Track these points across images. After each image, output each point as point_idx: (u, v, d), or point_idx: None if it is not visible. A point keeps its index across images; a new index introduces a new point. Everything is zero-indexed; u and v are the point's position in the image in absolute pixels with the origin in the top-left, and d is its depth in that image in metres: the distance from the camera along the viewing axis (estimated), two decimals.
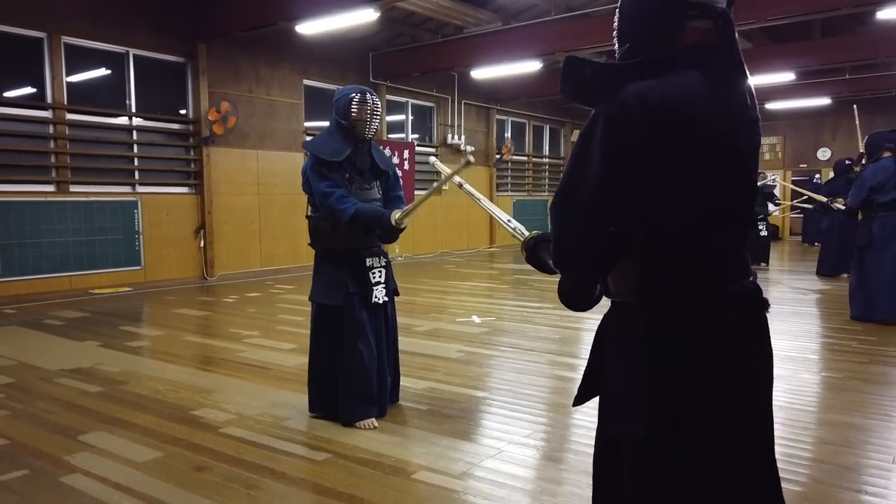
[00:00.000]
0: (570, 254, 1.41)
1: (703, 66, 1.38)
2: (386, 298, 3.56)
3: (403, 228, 3.29)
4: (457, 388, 4.11)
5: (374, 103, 3.44)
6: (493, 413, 3.68)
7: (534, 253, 1.79)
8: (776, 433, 1.54)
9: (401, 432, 3.35)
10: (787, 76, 12.37)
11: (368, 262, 3.49)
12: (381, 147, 9.51)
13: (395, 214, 3.27)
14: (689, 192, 1.35)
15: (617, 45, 1.54)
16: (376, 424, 3.41)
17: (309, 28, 8.71)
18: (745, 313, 1.41)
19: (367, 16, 8.12)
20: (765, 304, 1.45)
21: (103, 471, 2.89)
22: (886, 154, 6.14)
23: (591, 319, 6.54)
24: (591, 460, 1.85)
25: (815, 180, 16.13)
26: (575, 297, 1.60)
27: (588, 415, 3.70)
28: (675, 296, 1.37)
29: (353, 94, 3.42)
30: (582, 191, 1.33)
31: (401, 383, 3.85)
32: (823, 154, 17.48)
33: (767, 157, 18.44)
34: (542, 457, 3.03)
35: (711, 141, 1.36)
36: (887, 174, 6.02)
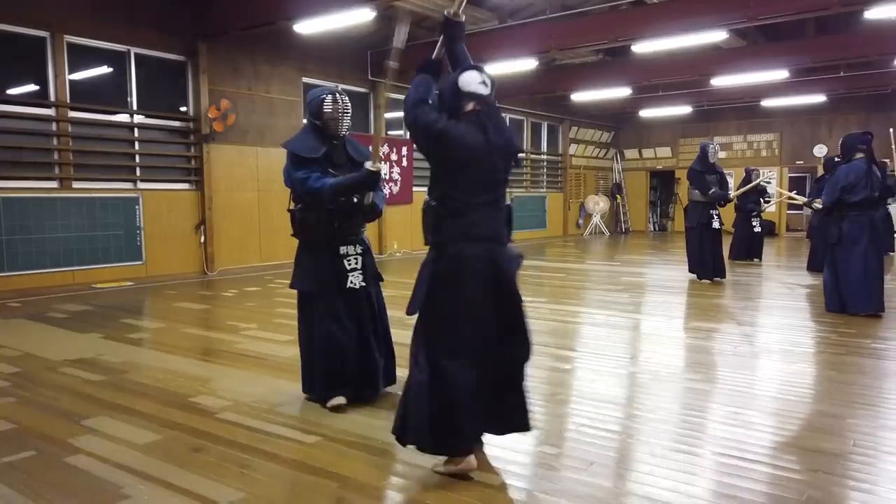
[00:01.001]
0: None
1: (473, 122, 2.79)
2: (363, 284, 3.73)
3: (379, 170, 3.45)
4: None
5: (344, 103, 3.64)
6: None
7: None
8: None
9: (388, 417, 3.51)
10: (781, 74, 12.50)
11: (343, 249, 3.67)
12: (382, 144, 9.89)
13: (367, 164, 3.49)
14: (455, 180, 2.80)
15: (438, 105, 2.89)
16: (344, 401, 3.60)
17: (307, 27, 8.85)
18: (480, 251, 2.78)
19: (363, 15, 8.27)
20: (500, 245, 2.86)
21: (106, 452, 3.06)
22: (859, 155, 6.30)
23: (580, 314, 6.70)
24: (572, 446, 2.94)
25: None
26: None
27: (576, 405, 3.86)
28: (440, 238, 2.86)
29: (325, 95, 3.62)
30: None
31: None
32: (820, 151, 17.59)
33: (765, 153, 18.57)
34: (523, 443, 3.19)
35: (469, 156, 2.76)
36: (859, 175, 6.20)
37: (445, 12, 3.06)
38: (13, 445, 3.15)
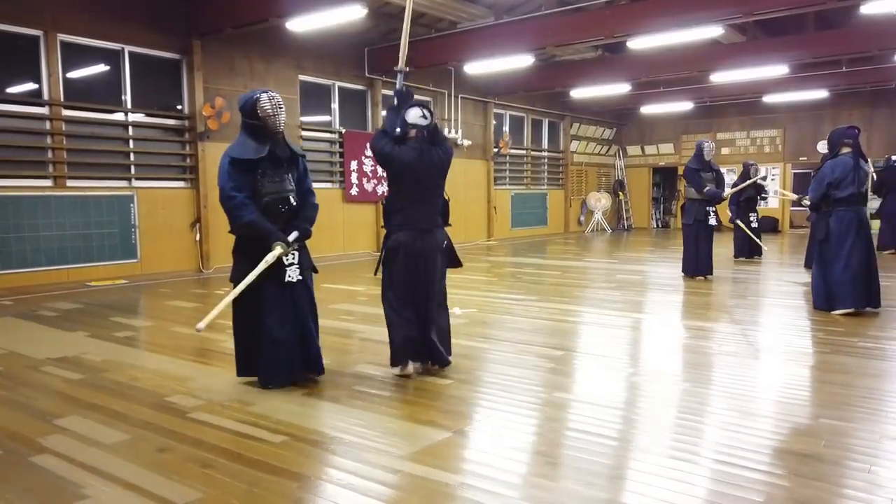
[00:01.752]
0: None
1: (413, 144, 4.11)
2: (300, 277, 4.02)
3: (283, 252, 3.91)
4: (423, 377, 4.23)
5: (278, 100, 3.91)
6: (453, 399, 3.81)
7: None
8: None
9: (359, 416, 3.49)
10: (781, 69, 12.39)
11: (280, 246, 3.90)
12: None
13: (278, 247, 3.85)
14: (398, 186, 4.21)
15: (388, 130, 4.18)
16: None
17: (299, 25, 8.83)
18: (412, 237, 4.14)
19: (355, 12, 8.23)
20: (429, 233, 4.22)
21: (72, 452, 3.05)
22: (845, 150, 6.19)
23: (568, 312, 6.66)
24: (539, 443, 3.05)
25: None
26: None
27: (548, 406, 3.83)
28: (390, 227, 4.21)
29: (259, 95, 3.88)
30: None
31: (366, 370, 4.01)
32: (823, 147, 17.38)
33: (768, 149, 18.43)
34: (494, 441, 3.17)
35: (406, 169, 4.10)
36: (845, 170, 6.09)
37: (398, 86, 4.31)
38: None
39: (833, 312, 6.15)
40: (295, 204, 4.06)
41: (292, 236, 3.97)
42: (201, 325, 3.71)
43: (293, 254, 4.01)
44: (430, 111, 4.15)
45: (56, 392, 4.02)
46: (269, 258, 3.83)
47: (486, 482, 2.69)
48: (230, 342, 5.24)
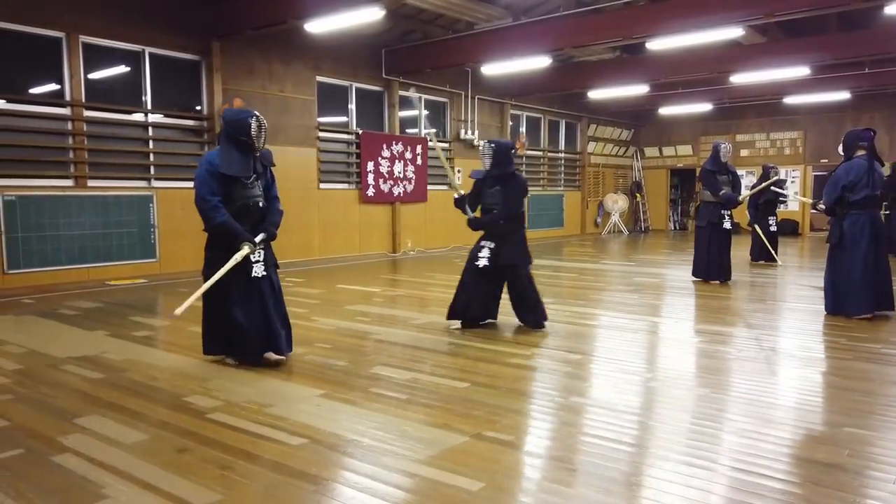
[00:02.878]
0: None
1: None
2: (265, 273, 4.55)
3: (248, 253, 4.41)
4: (439, 380, 4.24)
5: (265, 125, 4.43)
6: (469, 402, 3.80)
7: (460, 202, 6.14)
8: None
9: (376, 419, 3.50)
10: (802, 70, 12.25)
11: (247, 247, 4.41)
12: (396, 142, 11.96)
13: (246, 247, 4.36)
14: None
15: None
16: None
17: (318, 26, 8.88)
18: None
19: (373, 14, 8.26)
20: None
21: (92, 451, 3.08)
22: (860, 152, 6.12)
23: (585, 315, 6.63)
24: (556, 449, 3.03)
25: None
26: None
27: (564, 410, 3.81)
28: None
29: (251, 119, 4.35)
30: None
31: (382, 372, 4.00)
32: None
33: (788, 152, 18.24)
34: (511, 445, 3.16)
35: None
36: (859, 173, 6.02)
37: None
38: (3, 443, 3.19)
39: (849, 317, 6.10)
40: (262, 208, 4.57)
41: (259, 238, 4.47)
42: (178, 311, 4.23)
43: (259, 252, 4.53)
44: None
45: (76, 391, 4.06)
46: (238, 257, 4.35)
47: (502, 487, 2.68)
48: None
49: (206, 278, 4.40)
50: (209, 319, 4.62)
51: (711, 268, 8.57)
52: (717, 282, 8.55)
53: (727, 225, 8.54)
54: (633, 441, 3.22)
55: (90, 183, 8.67)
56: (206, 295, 4.44)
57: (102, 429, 3.38)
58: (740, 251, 10.98)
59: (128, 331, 5.82)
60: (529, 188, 16.44)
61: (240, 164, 4.38)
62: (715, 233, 8.51)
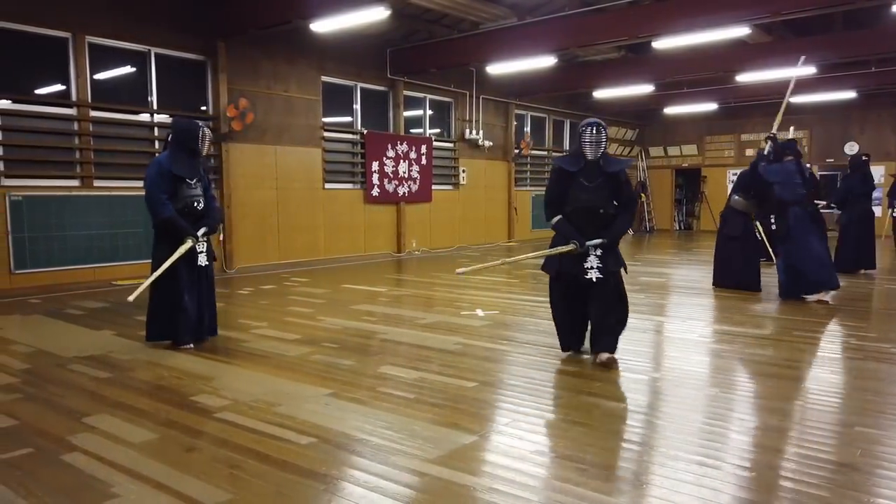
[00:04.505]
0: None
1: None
2: (207, 262, 5.22)
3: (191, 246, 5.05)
4: (447, 379, 4.23)
5: (209, 135, 5.20)
6: (477, 402, 3.79)
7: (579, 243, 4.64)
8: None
9: (385, 419, 3.49)
10: (808, 69, 12.19)
11: (190, 240, 5.05)
12: (401, 142, 12.01)
13: (189, 240, 5.01)
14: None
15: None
16: (192, 346, 5.13)
17: (323, 26, 8.87)
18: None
19: (378, 14, 8.24)
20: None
21: (101, 450, 3.08)
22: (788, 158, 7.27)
23: None
24: (565, 448, 3.02)
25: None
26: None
27: (573, 410, 3.80)
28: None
29: (200, 129, 5.08)
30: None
31: (389, 371, 3.98)
32: (851, 148, 17.14)
33: None
34: (520, 445, 3.14)
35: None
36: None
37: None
38: (13, 442, 3.19)
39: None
40: (202, 207, 5.18)
41: (201, 231, 5.12)
42: (131, 297, 4.85)
43: (203, 243, 5.15)
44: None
45: (84, 390, 4.06)
46: (182, 249, 4.96)
47: (511, 487, 2.67)
48: (254, 342, 5.33)
49: (156, 267, 4.99)
50: (159, 306, 5.12)
51: (743, 276, 8.01)
52: (750, 290, 7.95)
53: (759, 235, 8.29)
54: (643, 440, 3.20)
55: (96, 183, 8.67)
56: (156, 284, 5.01)
57: (110, 428, 3.38)
58: None
59: (134, 330, 5.82)
60: (535, 188, 16.50)
61: (188, 166, 5.06)
62: (748, 243, 8.10)
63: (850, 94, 15.25)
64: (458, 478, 2.76)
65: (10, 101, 7.98)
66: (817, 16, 9.33)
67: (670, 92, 16.14)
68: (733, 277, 8.15)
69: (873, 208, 10.32)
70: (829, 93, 15.07)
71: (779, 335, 5.60)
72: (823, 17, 10.73)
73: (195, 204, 5.13)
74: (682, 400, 3.84)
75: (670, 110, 18.14)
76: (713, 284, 8.39)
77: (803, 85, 14.72)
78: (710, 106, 17.15)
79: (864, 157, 9.59)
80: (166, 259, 4.94)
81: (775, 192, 7.30)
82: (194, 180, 5.14)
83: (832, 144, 17.44)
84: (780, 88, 15.09)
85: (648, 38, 10.12)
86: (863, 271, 9.61)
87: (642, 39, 10.29)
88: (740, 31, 9.53)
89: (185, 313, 5.07)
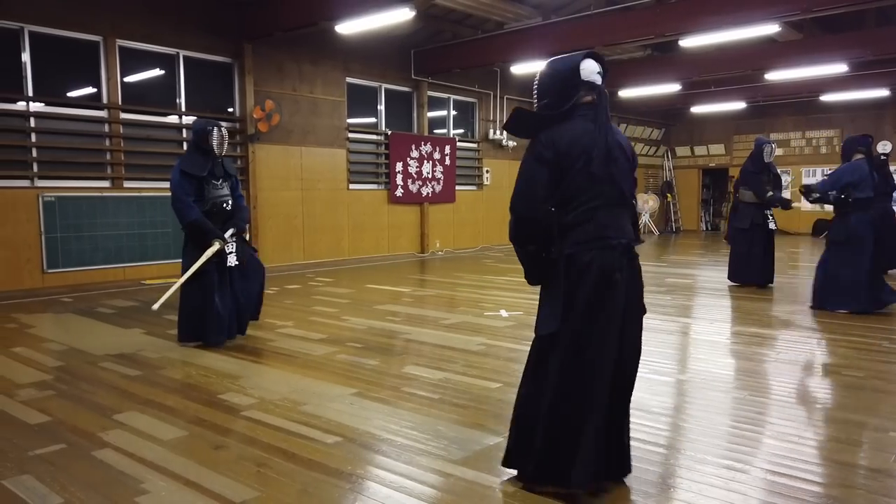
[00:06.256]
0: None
1: (586, 117, 2.59)
2: (237, 263, 5.20)
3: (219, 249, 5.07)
4: (471, 380, 4.23)
5: (225, 135, 5.16)
6: (501, 403, 3.78)
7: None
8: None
9: (410, 419, 3.50)
10: (839, 67, 11.97)
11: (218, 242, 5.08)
12: (425, 143, 12.05)
13: (217, 242, 5.01)
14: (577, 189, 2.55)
15: (536, 100, 2.71)
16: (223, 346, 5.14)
17: (348, 28, 8.92)
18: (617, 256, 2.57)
19: (403, 15, 8.27)
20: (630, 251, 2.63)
21: (132, 447, 3.14)
22: (858, 156, 6.74)
23: None
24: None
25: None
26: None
27: None
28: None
29: (212, 128, 5.09)
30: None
31: (413, 371, 4.01)
32: (884, 147, 16.67)
33: (824, 150, 17.84)
34: None
35: (587, 158, 2.53)
36: (862, 175, 6.51)
37: None
38: (46, 438, 3.26)
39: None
40: (230, 208, 5.23)
41: (228, 232, 5.13)
42: (155, 306, 5.08)
43: (232, 244, 5.16)
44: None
45: (114, 388, 4.14)
46: (209, 252, 4.98)
47: (537, 489, 2.66)
48: (279, 341, 5.37)
49: (186, 270, 5.06)
50: (189, 308, 5.15)
51: (753, 270, 8.19)
52: (759, 285, 8.19)
53: (772, 226, 8.17)
54: (670, 443, 3.17)
55: (126, 184, 8.83)
56: (186, 286, 5.06)
57: (141, 425, 3.44)
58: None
59: (163, 329, 5.92)
60: None
61: (201, 166, 5.07)
62: (758, 234, 8.13)
63: (882, 93, 14.94)
64: (482, 479, 2.76)
65: (43, 104, 8.16)
66: (849, 12, 9.14)
67: (697, 91, 15.94)
68: (739, 270, 8.39)
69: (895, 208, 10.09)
70: (860, 91, 14.77)
71: (808, 336, 5.51)
72: (855, 14, 10.52)
73: (223, 205, 5.19)
74: (708, 402, 3.79)
75: (697, 109, 17.92)
76: (729, 279, 8.57)
77: (834, 83, 14.47)
78: (738, 105, 16.91)
79: (883, 157, 9.36)
80: (194, 263, 5.01)
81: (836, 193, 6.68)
82: (220, 180, 5.19)
83: None
84: (810, 86, 14.86)
85: (675, 37, 10.01)
86: (888, 272, 9.40)
87: (669, 38, 10.18)
88: (770, 28, 9.38)
89: (215, 315, 5.09)
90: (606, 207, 2.57)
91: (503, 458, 2.74)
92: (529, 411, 2.63)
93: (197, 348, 5.18)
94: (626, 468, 2.70)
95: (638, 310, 2.69)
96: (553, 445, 2.53)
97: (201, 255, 5.01)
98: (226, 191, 5.23)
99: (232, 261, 5.18)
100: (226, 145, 5.19)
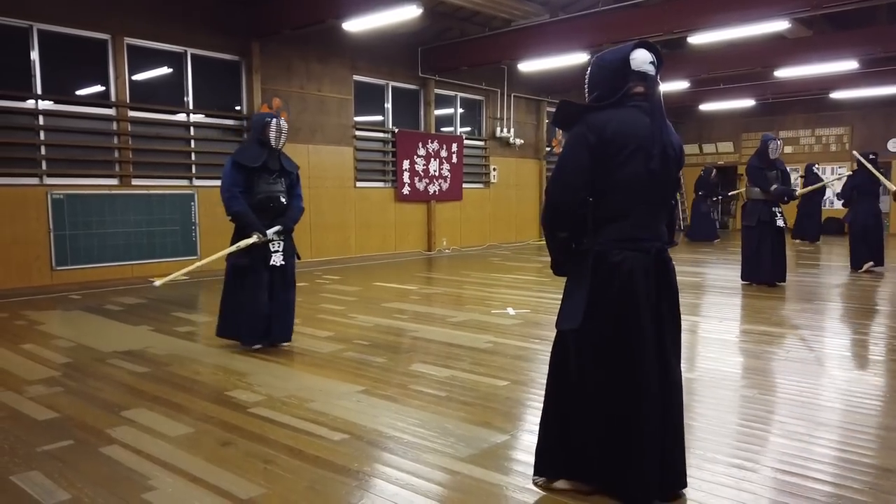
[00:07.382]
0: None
1: (639, 108, 2.47)
2: (283, 262, 4.96)
3: (260, 240, 4.84)
4: (478, 377, 4.22)
5: (282, 127, 4.91)
6: (509, 401, 3.77)
7: None
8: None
9: (417, 416, 3.49)
10: (850, 64, 11.88)
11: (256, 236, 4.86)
12: (432, 141, 11.74)
13: (255, 236, 4.79)
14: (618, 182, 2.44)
15: (587, 93, 2.59)
16: (259, 346, 5.00)
17: (356, 25, 8.92)
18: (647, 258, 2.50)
19: (411, 12, 8.26)
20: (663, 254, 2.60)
21: (139, 443, 3.14)
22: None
23: None
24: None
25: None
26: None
27: None
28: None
29: (270, 120, 4.88)
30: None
31: (420, 369, 3.99)
32: (894, 145, 16.67)
33: (834, 148, 17.74)
34: None
35: (636, 149, 2.42)
36: None
37: None
38: (54, 434, 3.27)
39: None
40: (283, 203, 4.98)
41: (273, 229, 4.87)
42: (158, 283, 4.99)
43: (279, 242, 4.95)
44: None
45: (122, 384, 4.15)
46: (243, 243, 4.81)
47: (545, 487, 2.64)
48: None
49: (236, 265, 4.90)
50: (228, 304, 5.00)
51: (763, 269, 8.09)
52: (771, 284, 8.10)
53: (780, 223, 8.08)
54: None
55: (134, 182, 8.86)
56: (230, 281, 4.98)
57: (148, 422, 3.44)
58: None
59: (170, 326, 5.93)
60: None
61: (254, 158, 4.86)
62: (766, 231, 8.05)
63: (894, 90, 14.83)
64: (489, 476, 2.75)
65: (52, 102, 8.20)
66: (860, 8, 9.06)
67: (706, 88, 15.86)
68: (751, 269, 8.28)
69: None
70: (871, 88, 14.67)
71: (818, 335, 5.47)
72: (866, 10, 10.42)
73: (276, 200, 4.92)
74: (718, 401, 3.77)
75: (705, 107, 17.82)
76: (741, 279, 8.46)
77: (844, 80, 14.36)
78: (748, 102, 16.82)
79: (871, 156, 9.29)
80: (241, 256, 4.85)
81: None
82: (274, 175, 4.91)
83: (874, 141, 16.95)
84: (820, 83, 14.76)
85: (684, 34, 9.96)
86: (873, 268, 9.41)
87: (677, 35, 10.13)
88: (780, 25, 9.31)
89: (251, 314, 4.87)
90: (645, 206, 2.47)
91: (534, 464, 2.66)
92: (554, 409, 2.61)
93: (205, 346, 5.19)
94: (680, 483, 2.56)
95: (673, 316, 2.60)
96: (584, 448, 2.50)
97: (251, 246, 4.83)
98: (280, 186, 4.95)
99: (277, 260, 4.92)
100: (284, 137, 4.92)
